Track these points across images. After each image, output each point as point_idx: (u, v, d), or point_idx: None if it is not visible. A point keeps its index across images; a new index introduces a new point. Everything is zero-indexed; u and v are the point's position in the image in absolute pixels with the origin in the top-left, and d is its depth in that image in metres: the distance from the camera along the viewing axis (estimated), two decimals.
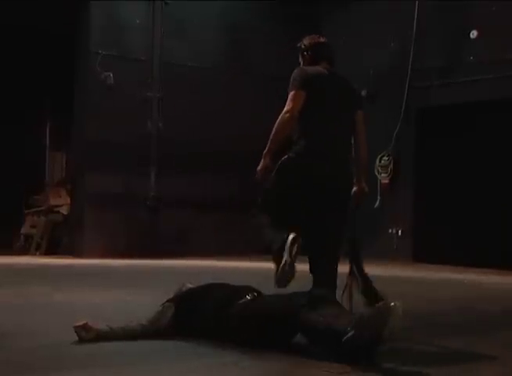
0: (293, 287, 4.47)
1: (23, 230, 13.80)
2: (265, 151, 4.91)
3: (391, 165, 12.44)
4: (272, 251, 4.76)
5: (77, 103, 12.61)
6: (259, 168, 4.93)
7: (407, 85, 12.31)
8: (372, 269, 5.36)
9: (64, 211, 13.30)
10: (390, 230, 12.47)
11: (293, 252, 4.54)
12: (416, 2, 12.19)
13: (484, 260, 10.54)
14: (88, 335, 4.40)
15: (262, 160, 4.92)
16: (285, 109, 4.88)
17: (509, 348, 4.59)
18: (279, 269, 4.60)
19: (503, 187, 11.09)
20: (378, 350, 3.78)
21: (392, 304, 3.80)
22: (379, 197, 12.43)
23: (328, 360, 3.95)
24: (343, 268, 5.08)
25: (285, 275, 4.57)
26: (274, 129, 4.87)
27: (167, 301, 4.82)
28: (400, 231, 12.39)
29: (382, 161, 12.52)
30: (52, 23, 12.83)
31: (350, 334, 3.84)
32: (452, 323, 5.58)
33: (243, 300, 4.48)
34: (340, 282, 5.03)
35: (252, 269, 10.26)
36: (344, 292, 4.97)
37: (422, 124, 12.29)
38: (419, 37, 12.19)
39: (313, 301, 4.15)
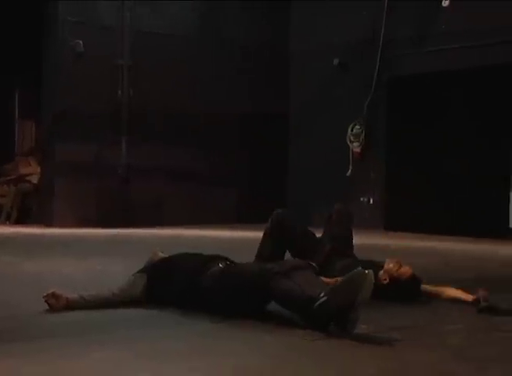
0: None
1: None
2: None
3: (363, 134, 12.45)
4: None
5: (46, 71, 12.41)
6: None
7: (379, 54, 12.25)
8: None
9: (34, 180, 13.17)
10: (361, 199, 12.51)
11: None
12: None
13: (456, 228, 10.62)
14: (58, 303, 4.37)
15: None
16: None
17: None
18: None
19: (474, 156, 11.16)
20: (351, 317, 3.78)
21: (366, 271, 3.81)
22: (350, 166, 12.47)
23: (302, 327, 3.96)
24: None
25: None
26: None
27: (139, 271, 4.79)
28: (372, 200, 12.44)
29: (354, 130, 12.51)
30: None
31: (323, 300, 3.85)
32: None
33: (216, 268, 4.46)
34: None
35: (226, 238, 10.27)
36: None
37: (394, 93, 12.28)
38: (391, 6, 12.13)
39: (288, 269, 4.13)
